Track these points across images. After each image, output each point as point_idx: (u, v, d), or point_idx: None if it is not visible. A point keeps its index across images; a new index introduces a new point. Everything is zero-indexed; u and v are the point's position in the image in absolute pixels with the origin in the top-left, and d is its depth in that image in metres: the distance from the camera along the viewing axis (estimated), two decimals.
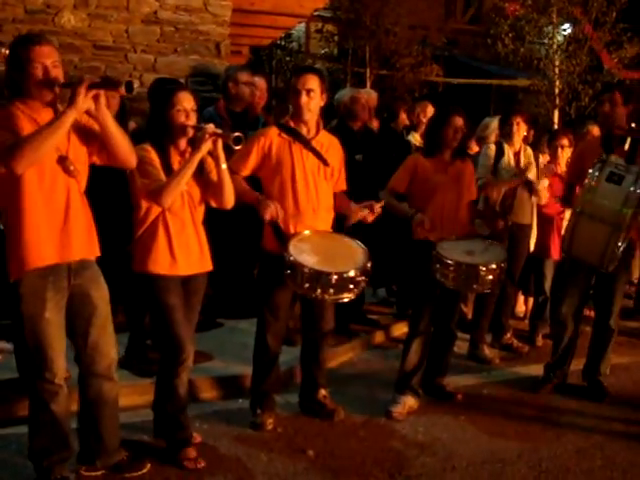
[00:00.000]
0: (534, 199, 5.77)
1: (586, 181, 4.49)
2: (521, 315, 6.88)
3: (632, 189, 4.35)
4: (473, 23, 19.75)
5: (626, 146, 4.66)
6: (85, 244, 3.46)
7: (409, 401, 4.70)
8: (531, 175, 5.66)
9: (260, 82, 6.19)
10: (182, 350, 3.89)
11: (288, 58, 17.52)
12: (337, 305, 4.46)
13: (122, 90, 3.25)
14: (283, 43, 17.47)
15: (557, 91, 14.27)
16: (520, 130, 5.64)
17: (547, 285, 6.13)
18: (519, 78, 15.73)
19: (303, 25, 17.42)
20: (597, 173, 4.44)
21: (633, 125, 4.69)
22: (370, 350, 5.97)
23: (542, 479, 3.97)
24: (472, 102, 14.51)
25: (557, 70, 14.17)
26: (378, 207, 4.31)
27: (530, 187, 5.63)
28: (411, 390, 4.72)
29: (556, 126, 13.04)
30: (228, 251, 5.51)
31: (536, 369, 5.46)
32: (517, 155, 5.67)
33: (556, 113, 14.28)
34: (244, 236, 5.30)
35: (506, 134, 5.72)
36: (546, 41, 14.62)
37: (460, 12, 20.24)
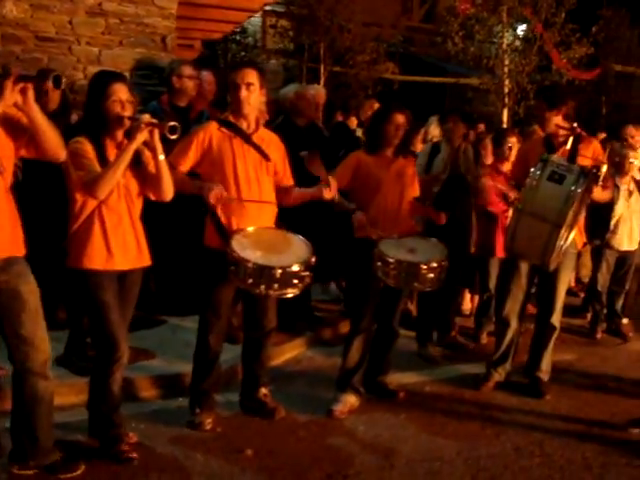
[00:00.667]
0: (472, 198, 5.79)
1: (528, 180, 4.51)
2: (467, 313, 6.90)
3: (573, 188, 4.37)
4: (427, 21, 19.85)
5: (568, 146, 4.70)
6: (11, 242, 3.39)
7: (350, 399, 4.67)
8: (469, 175, 5.67)
9: (207, 76, 6.12)
10: (116, 348, 3.85)
11: (243, 53, 17.40)
12: (284, 302, 4.41)
13: (49, 84, 3.17)
14: (238, 38, 17.35)
15: (506, 90, 14.40)
16: (457, 129, 5.66)
17: (492, 283, 6.15)
18: (473, 77, 15.85)
19: (259, 20, 17.32)
20: (539, 172, 4.46)
21: (575, 125, 4.72)
22: (316, 347, 5.92)
23: (479, 477, 3.97)
24: (428, 100, 14.58)
25: (506, 69, 14.30)
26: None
27: (465, 186, 5.63)
28: (352, 388, 4.69)
29: (505, 125, 13.17)
30: (172, 247, 5.45)
31: (480, 367, 5.46)
32: (456, 154, 5.68)
33: (505, 112, 14.40)
34: (188, 232, 5.22)
35: (445, 133, 5.74)
36: (496, 40, 14.76)
37: (417, 10, 20.31)
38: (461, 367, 5.68)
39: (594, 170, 4.47)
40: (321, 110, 6.39)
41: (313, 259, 4.07)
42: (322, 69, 15.33)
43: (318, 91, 6.21)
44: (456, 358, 5.88)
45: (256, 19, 16.50)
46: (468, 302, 6.98)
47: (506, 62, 14.29)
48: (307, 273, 4.03)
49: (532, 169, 4.53)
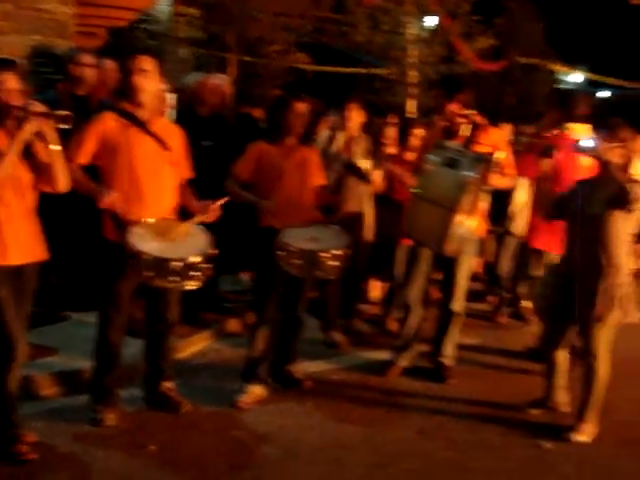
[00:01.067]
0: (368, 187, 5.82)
1: (424, 165, 4.57)
2: (376, 300, 6.96)
3: (466, 174, 4.45)
4: (337, 11, 19.93)
5: (465, 133, 4.78)
6: None
7: (256, 390, 4.66)
8: (364, 164, 5.69)
9: (109, 64, 5.95)
10: (13, 347, 3.74)
11: (152, 42, 17.03)
12: (190, 293, 4.34)
13: None
14: (147, 26, 16.98)
15: (415, 80, 14.58)
16: (354, 117, 5.68)
17: (399, 270, 6.22)
18: (384, 67, 16.00)
19: (171, 8, 17.00)
20: (435, 158, 4.53)
21: (472, 113, 4.81)
22: (223, 339, 5.86)
23: (383, 463, 4.03)
24: (342, 90, 14.62)
25: (411, 60, 14.48)
26: (215, 208, 4.24)
27: (360, 175, 5.66)
28: (258, 379, 4.68)
29: (413, 115, 13.33)
30: (73, 240, 5.31)
31: (387, 353, 5.51)
32: (351, 142, 5.70)
33: (410, 102, 14.57)
34: (88, 223, 5.09)
35: (340, 121, 5.76)
36: (402, 31, 14.91)
37: (326, 0, 20.34)
38: (368, 354, 5.72)
39: (488, 156, 4.56)
40: (228, 100, 6.31)
41: (212, 250, 4.02)
42: (232, 58, 15.16)
43: (223, 80, 6.13)
44: (363, 345, 5.92)
45: (167, 7, 16.19)
46: (377, 290, 7.04)
47: (414, 53, 14.46)
48: (207, 265, 3.98)
49: (429, 155, 4.59)
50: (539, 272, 5.78)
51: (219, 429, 4.31)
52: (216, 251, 4.05)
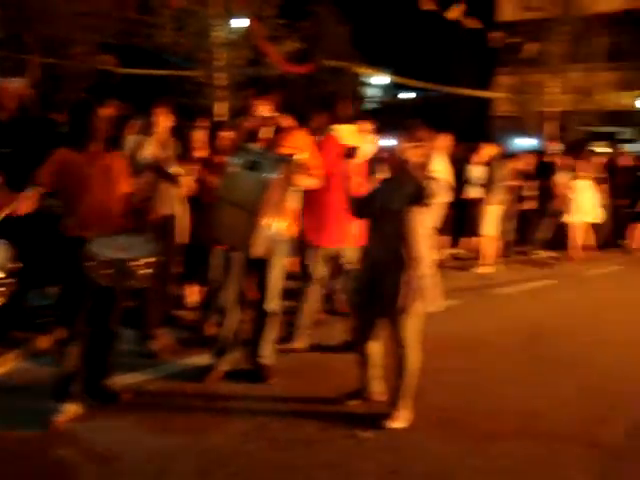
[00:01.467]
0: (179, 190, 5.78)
1: (227, 168, 4.61)
2: (194, 305, 6.89)
3: (267, 175, 4.51)
4: (143, 12, 19.52)
5: (264, 134, 4.86)
6: None
7: (71, 408, 4.47)
8: (175, 167, 5.65)
9: None
10: None
11: None
12: None
13: None
14: None
15: (224, 83, 14.53)
16: (161, 121, 5.61)
17: (214, 274, 6.19)
18: (192, 69, 15.82)
19: None
20: (237, 160, 4.57)
21: (275, 115, 4.90)
22: (32, 358, 5.56)
23: (207, 469, 4.00)
24: (153, 92, 14.30)
25: (219, 63, 14.43)
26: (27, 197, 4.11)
27: (170, 178, 5.61)
28: (72, 396, 4.49)
29: (220, 118, 13.32)
30: None
31: (206, 359, 5.47)
32: (160, 146, 5.62)
33: (219, 105, 14.51)
34: None
35: (147, 125, 5.67)
36: (209, 34, 14.79)
37: (132, 1, 19.84)
38: (187, 361, 5.65)
39: (289, 158, 4.65)
40: (28, 104, 6.02)
41: (13, 264, 3.81)
42: (33, 60, 14.40)
43: (20, 84, 5.84)
44: (181, 352, 5.83)
45: None
46: (195, 294, 6.97)
47: (222, 55, 14.39)
48: (9, 280, 3.77)
49: (231, 158, 4.63)
50: (316, 267, 5.96)
51: (33, 453, 4.09)
52: (19, 265, 3.85)
